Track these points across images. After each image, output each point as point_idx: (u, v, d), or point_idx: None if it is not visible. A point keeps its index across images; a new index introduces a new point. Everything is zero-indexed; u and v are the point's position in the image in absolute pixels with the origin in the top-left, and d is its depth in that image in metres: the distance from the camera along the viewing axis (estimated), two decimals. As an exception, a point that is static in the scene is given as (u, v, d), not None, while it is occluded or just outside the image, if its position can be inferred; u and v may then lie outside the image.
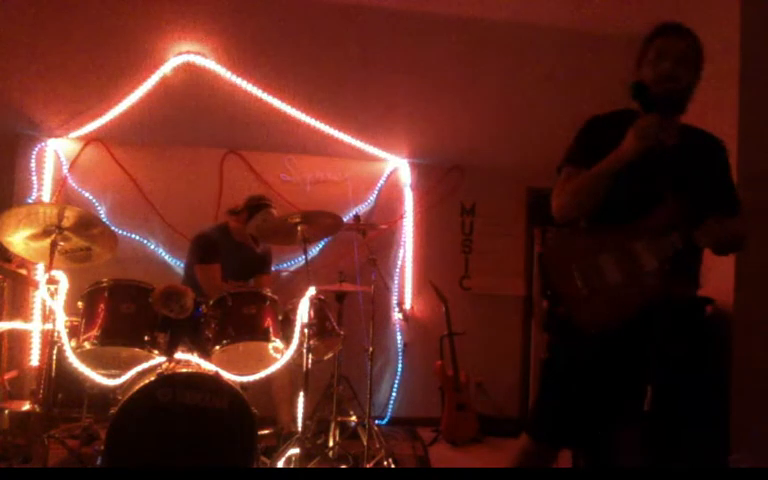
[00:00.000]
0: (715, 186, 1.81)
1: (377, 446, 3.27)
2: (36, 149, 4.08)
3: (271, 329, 2.78)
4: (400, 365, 4.40)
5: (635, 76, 1.84)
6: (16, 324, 3.38)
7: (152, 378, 2.45)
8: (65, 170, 4.12)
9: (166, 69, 3.89)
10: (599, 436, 1.84)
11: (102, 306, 2.62)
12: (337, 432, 3.38)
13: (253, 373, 2.68)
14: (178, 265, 4.06)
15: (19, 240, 2.71)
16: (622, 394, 1.75)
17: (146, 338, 2.60)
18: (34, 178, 4.06)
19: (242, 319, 2.74)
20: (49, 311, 2.53)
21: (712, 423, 1.74)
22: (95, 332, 2.56)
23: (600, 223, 1.81)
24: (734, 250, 1.87)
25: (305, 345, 2.67)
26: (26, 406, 3.15)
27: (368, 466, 3.03)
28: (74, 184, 4.13)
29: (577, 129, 1.93)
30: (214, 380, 2.51)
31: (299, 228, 2.96)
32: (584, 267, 1.77)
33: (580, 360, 1.80)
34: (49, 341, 2.51)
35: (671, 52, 1.78)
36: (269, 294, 2.87)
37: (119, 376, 2.55)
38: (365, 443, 3.10)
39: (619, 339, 1.72)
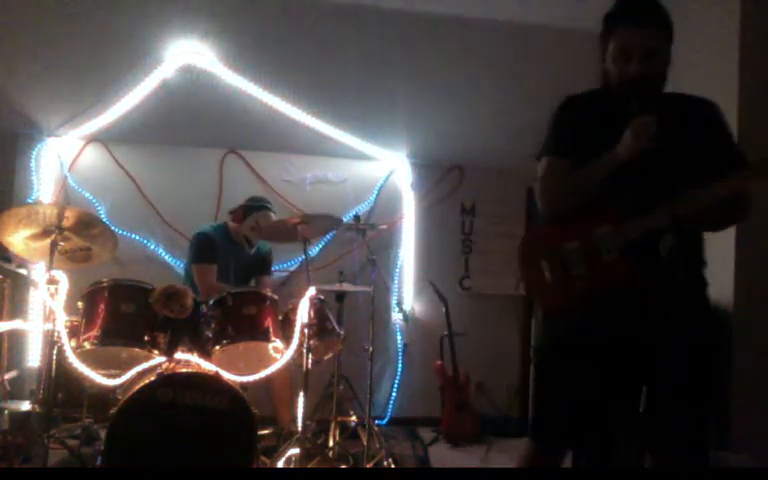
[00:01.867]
0: (702, 152, 1.67)
1: (377, 446, 3.27)
2: (36, 149, 4.08)
3: (271, 329, 2.77)
4: (400, 365, 4.40)
5: (601, 68, 1.75)
6: (16, 324, 3.37)
7: (152, 378, 2.45)
8: (65, 170, 4.12)
9: (166, 69, 3.89)
10: (597, 435, 1.80)
11: (102, 306, 2.61)
12: (337, 432, 3.38)
13: (253, 373, 2.67)
14: (178, 265, 4.06)
15: (19, 240, 2.71)
16: (614, 392, 1.72)
17: (146, 338, 2.59)
18: (34, 178, 4.06)
19: (242, 319, 2.73)
20: (49, 311, 2.53)
21: (704, 423, 1.68)
22: (95, 332, 2.56)
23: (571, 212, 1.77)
24: (732, 219, 1.79)
25: (305, 345, 2.67)
26: (26, 406, 3.15)
27: (368, 466, 3.03)
28: (74, 184, 4.13)
29: (552, 113, 1.85)
30: (214, 380, 2.51)
31: (299, 228, 2.96)
32: (551, 257, 1.75)
33: (568, 357, 1.76)
34: (49, 341, 2.51)
35: (636, 49, 1.64)
36: (269, 294, 2.88)
37: (119, 376, 2.55)
38: (365, 443, 3.10)
39: (606, 333, 1.68)
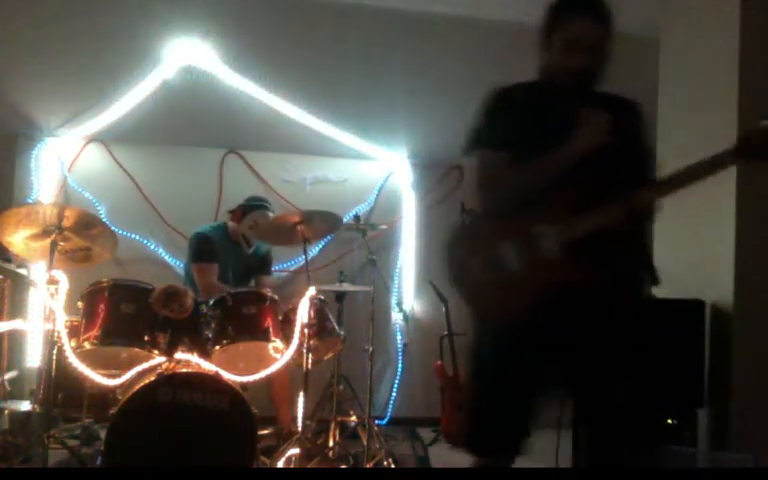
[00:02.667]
0: (627, 154, 1.65)
1: (377, 446, 3.27)
2: (36, 149, 4.08)
3: (271, 329, 2.77)
4: (400, 365, 4.40)
5: (543, 56, 1.72)
6: (16, 324, 3.37)
7: (152, 378, 2.44)
8: (65, 170, 4.12)
9: (166, 69, 3.89)
10: (522, 441, 1.70)
11: (102, 306, 2.61)
12: (337, 432, 3.38)
13: (253, 373, 2.67)
14: (178, 265, 4.05)
15: (19, 240, 2.71)
16: (539, 394, 1.67)
17: (146, 338, 2.59)
18: (34, 178, 4.06)
19: (242, 319, 2.73)
20: (49, 311, 2.53)
21: (635, 422, 1.64)
22: (95, 332, 2.56)
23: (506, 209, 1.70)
24: (643, 222, 1.74)
25: (305, 345, 2.67)
26: (26, 406, 3.15)
27: (368, 466, 3.03)
28: (74, 184, 4.13)
29: (484, 104, 1.79)
30: (214, 380, 2.51)
31: (299, 228, 2.96)
32: (485, 255, 1.68)
33: (495, 357, 1.68)
34: (49, 341, 2.51)
35: (582, 40, 1.61)
36: (269, 294, 2.87)
37: (119, 376, 2.55)
38: (365, 443, 3.10)
39: (532, 332, 1.61)
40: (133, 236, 4.13)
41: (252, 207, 3.51)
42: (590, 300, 1.59)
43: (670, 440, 2.81)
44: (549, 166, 1.62)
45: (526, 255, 1.63)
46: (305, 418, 2.74)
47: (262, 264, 3.71)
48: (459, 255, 1.77)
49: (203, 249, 3.38)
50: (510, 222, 1.68)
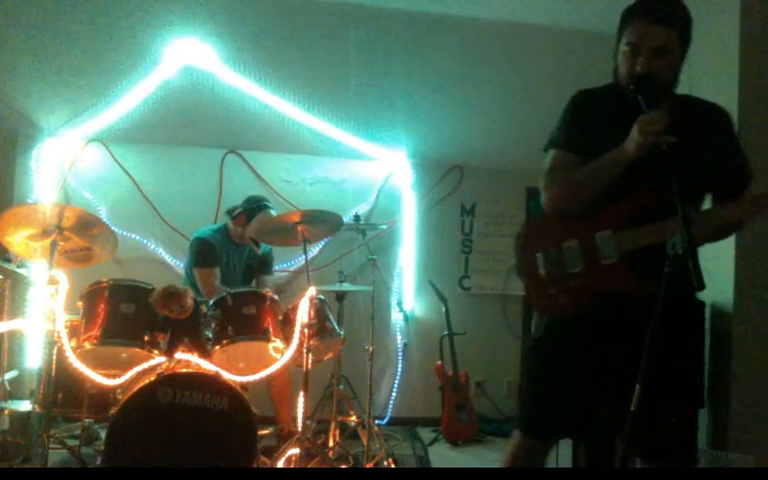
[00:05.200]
0: (713, 164, 1.65)
1: (377, 446, 3.27)
2: (36, 149, 4.08)
3: (271, 329, 2.77)
4: (400, 365, 4.40)
5: (615, 64, 1.72)
6: (16, 324, 3.37)
7: (152, 378, 2.45)
8: (65, 170, 4.12)
9: (166, 69, 3.89)
10: (587, 429, 1.82)
11: (102, 306, 2.61)
12: (337, 432, 3.38)
13: (253, 373, 2.68)
14: (178, 265, 4.06)
15: (19, 240, 2.71)
16: (605, 387, 1.71)
17: (146, 338, 2.59)
18: (34, 178, 4.06)
19: (242, 319, 2.73)
20: (49, 311, 2.53)
21: (691, 429, 1.69)
22: (95, 332, 2.56)
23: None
24: (728, 235, 1.78)
25: (305, 345, 2.67)
26: (26, 406, 3.14)
27: (368, 466, 3.03)
28: (74, 184, 4.13)
29: (564, 108, 1.82)
30: (214, 380, 2.51)
31: (299, 228, 2.96)
32: (547, 253, 1.73)
33: (561, 349, 1.76)
34: (49, 341, 2.51)
35: (646, 43, 1.61)
36: (269, 294, 2.87)
37: (119, 376, 2.55)
38: (365, 443, 3.10)
39: (600, 330, 1.67)
40: (133, 236, 4.13)
41: (256, 209, 3.49)
42: (641, 311, 1.56)
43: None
44: (602, 167, 1.65)
45: (586, 258, 1.68)
46: (305, 418, 2.75)
47: (263, 264, 3.71)
48: (524, 249, 1.82)
49: (204, 253, 3.38)
50: (576, 223, 1.72)
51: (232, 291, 2.80)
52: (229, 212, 3.57)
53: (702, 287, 1.41)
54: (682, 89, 1.79)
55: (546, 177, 1.77)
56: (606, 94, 1.77)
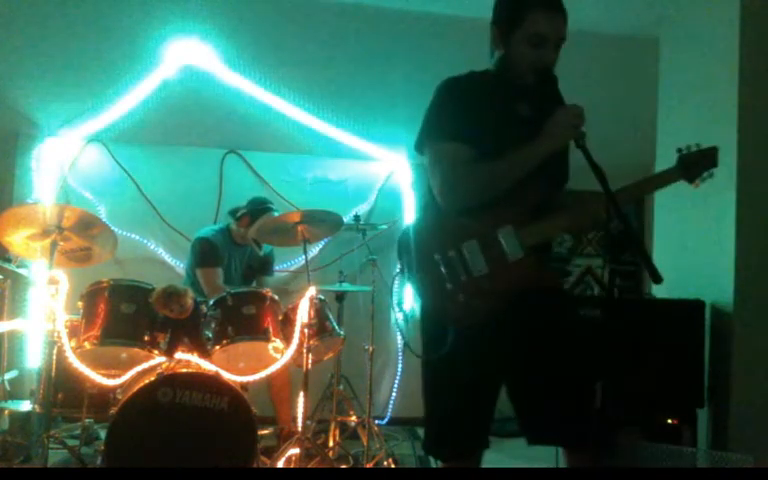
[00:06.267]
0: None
1: (377, 446, 3.27)
2: (36, 149, 4.07)
3: (271, 329, 2.77)
4: (400, 365, 4.39)
5: (500, 48, 1.67)
6: (16, 324, 3.37)
7: (152, 378, 2.45)
8: (65, 170, 4.12)
9: (166, 69, 3.89)
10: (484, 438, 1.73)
11: (102, 306, 2.61)
12: (337, 432, 3.38)
13: (253, 373, 2.68)
14: (178, 265, 4.06)
15: (19, 240, 2.71)
16: (495, 389, 1.67)
17: (146, 338, 2.59)
18: (34, 178, 4.06)
19: (242, 319, 2.73)
20: (49, 311, 2.53)
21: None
22: (95, 332, 2.56)
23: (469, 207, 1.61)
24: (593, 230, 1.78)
25: (305, 345, 2.67)
26: (26, 406, 3.15)
27: (368, 466, 3.03)
28: (74, 184, 4.13)
29: (438, 97, 1.68)
30: (214, 380, 2.51)
31: (299, 228, 2.96)
32: (447, 256, 1.59)
33: (474, 357, 1.60)
34: (49, 341, 2.51)
35: (553, 35, 1.57)
36: (269, 294, 2.87)
37: (119, 376, 2.55)
38: (365, 443, 3.10)
39: (489, 330, 1.57)
40: (133, 236, 4.12)
41: (260, 211, 3.49)
42: (551, 301, 1.61)
43: (670, 440, 2.80)
44: (518, 160, 1.55)
45: (490, 257, 1.57)
46: (305, 418, 2.75)
47: (264, 264, 3.72)
48: (417, 254, 1.66)
49: (208, 253, 3.39)
50: (474, 220, 1.60)
51: (232, 291, 2.80)
52: (232, 213, 3.57)
53: (659, 280, 1.35)
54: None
55: (448, 173, 1.59)
56: (482, 81, 1.70)
